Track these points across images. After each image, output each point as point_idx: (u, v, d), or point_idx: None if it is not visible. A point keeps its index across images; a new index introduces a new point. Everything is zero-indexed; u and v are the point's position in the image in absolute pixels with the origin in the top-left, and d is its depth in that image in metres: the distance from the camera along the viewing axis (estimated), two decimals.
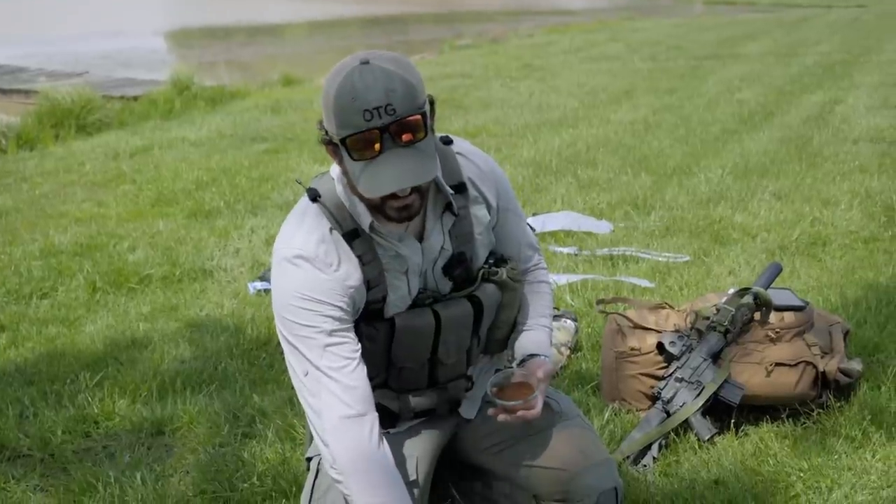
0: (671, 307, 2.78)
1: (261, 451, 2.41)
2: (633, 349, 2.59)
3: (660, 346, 2.54)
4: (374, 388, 1.74)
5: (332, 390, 1.65)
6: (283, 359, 1.72)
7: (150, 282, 3.94)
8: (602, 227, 4.52)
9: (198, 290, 3.85)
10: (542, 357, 1.92)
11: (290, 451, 2.40)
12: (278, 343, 3.11)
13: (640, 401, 2.57)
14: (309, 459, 1.95)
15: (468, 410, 1.97)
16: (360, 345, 1.70)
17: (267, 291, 3.69)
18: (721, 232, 4.32)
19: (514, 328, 1.99)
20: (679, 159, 6.00)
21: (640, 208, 4.83)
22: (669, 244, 4.18)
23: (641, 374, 2.57)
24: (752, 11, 24.18)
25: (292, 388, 1.74)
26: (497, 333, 1.97)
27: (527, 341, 1.97)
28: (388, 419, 1.86)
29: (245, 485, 2.25)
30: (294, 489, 2.14)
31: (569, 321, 2.99)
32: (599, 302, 2.94)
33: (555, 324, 2.98)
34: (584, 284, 3.58)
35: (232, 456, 2.41)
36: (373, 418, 1.67)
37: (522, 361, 1.94)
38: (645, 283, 3.64)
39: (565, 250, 4.17)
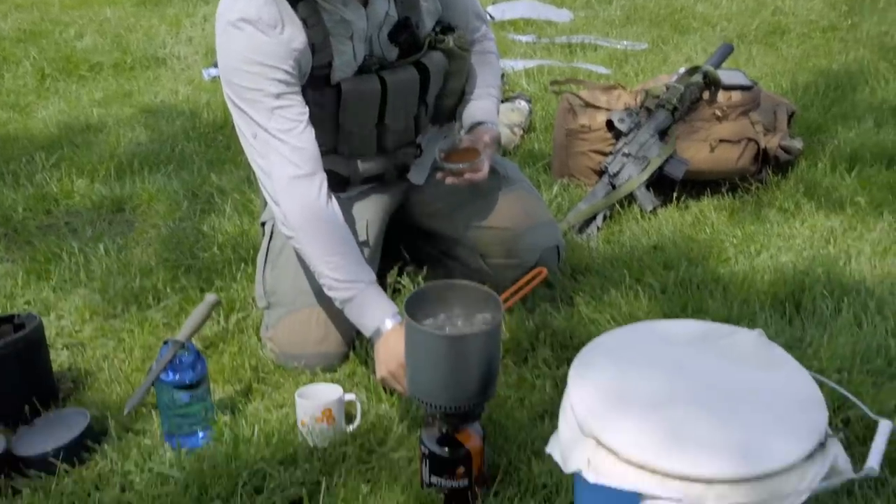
0: (623, 88, 2.81)
1: (220, 224, 2.48)
2: (583, 126, 2.65)
3: (609, 124, 2.60)
4: (324, 154, 1.79)
5: (281, 152, 1.69)
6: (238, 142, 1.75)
7: (101, 69, 3.87)
8: (562, 15, 4.45)
9: (151, 77, 3.79)
10: (490, 124, 1.97)
11: (248, 223, 2.48)
12: (235, 125, 3.11)
13: (588, 176, 2.66)
14: (263, 224, 2.03)
15: (417, 176, 2.03)
16: (307, 108, 1.73)
17: None
18: (681, 21, 4.28)
19: (462, 98, 2.03)
20: None
21: (601, 1, 4.74)
22: (629, 32, 4.15)
23: (591, 151, 2.64)
24: None
25: (250, 167, 1.78)
26: (445, 102, 2.01)
27: (475, 110, 2.01)
28: (339, 184, 1.92)
29: (205, 254, 2.34)
30: (252, 254, 2.23)
31: (523, 102, 3.03)
32: (553, 83, 2.96)
33: (509, 105, 3.01)
34: (540, 70, 3.58)
35: (192, 229, 2.49)
36: (321, 178, 1.72)
37: (470, 129, 1.99)
38: (601, 69, 3.65)
39: (524, 38, 4.13)
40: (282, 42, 1.67)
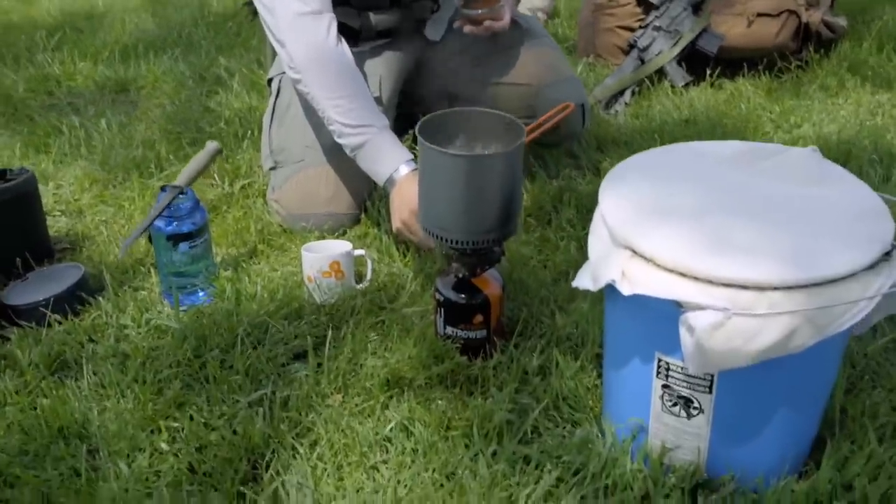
0: None
1: (227, 100, 2.36)
2: (611, 1, 2.48)
3: None
4: (335, 5, 1.65)
5: None
6: (250, 27, 1.61)
7: None
8: None
9: None
10: None
11: (257, 100, 2.35)
12: (245, 15, 2.98)
13: (615, 55, 2.50)
14: (270, 81, 1.90)
15: (433, 32, 1.89)
16: None
17: None
18: None
19: None
20: None
21: None
22: None
23: (618, 27, 2.48)
24: None
25: (260, 46, 1.65)
26: None
27: None
28: (349, 38, 1.78)
29: (211, 128, 2.22)
30: (261, 128, 2.11)
31: None
32: None
33: None
34: None
35: (199, 106, 2.37)
36: (330, 18, 1.59)
37: None
38: None
39: None
40: None
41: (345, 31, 1.71)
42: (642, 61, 2.35)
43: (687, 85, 2.34)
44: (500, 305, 1.39)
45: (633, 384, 1.10)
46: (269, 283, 1.58)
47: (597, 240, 1.09)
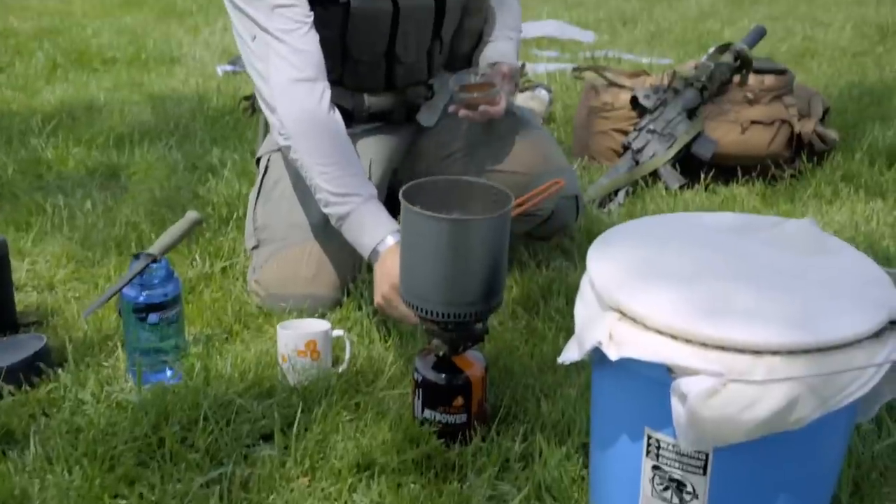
0: (648, 75, 2.68)
1: (216, 186, 2.33)
2: (605, 104, 2.50)
3: (633, 100, 2.45)
4: (330, 85, 1.64)
5: (281, 53, 1.55)
6: (247, 122, 1.61)
7: (114, 63, 3.79)
8: (587, 35, 4.37)
9: (164, 72, 3.71)
10: (508, 61, 1.82)
11: (246, 187, 2.33)
12: (244, 109, 3.01)
13: (609, 158, 2.50)
14: (259, 160, 1.88)
15: (427, 118, 1.88)
16: (312, 13, 1.59)
17: (236, 73, 3.56)
18: (707, 43, 4.17)
19: (480, 42, 1.89)
20: None
21: (626, 23, 4.67)
22: (653, 51, 4.05)
23: (613, 130, 2.49)
24: None
25: (254, 139, 1.64)
26: (462, 45, 1.87)
27: (491, 51, 1.86)
28: (343, 119, 1.77)
29: (199, 213, 2.18)
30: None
31: (543, 91, 2.89)
32: (576, 69, 2.83)
33: (528, 94, 2.88)
34: (562, 73, 3.46)
35: (188, 192, 2.34)
36: (324, 86, 1.57)
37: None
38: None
39: (547, 53, 4.04)
40: None
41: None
42: (637, 163, 2.35)
43: (682, 187, 2.32)
44: (483, 388, 1.31)
45: (622, 465, 1.00)
46: (241, 363, 1.50)
47: (583, 306, 1.02)
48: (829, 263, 1.02)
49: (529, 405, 1.36)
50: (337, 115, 1.57)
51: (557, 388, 1.39)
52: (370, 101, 1.80)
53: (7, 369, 1.40)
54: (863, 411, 1.00)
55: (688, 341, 0.89)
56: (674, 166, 2.35)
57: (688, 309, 0.91)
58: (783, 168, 2.42)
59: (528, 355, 1.54)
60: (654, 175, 2.35)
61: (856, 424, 1.16)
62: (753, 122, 2.40)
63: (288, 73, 1.54)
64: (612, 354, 0.92)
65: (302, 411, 1.34)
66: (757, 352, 0.87)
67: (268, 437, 1.33)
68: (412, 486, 1.17)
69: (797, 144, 2.45)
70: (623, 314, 0.94)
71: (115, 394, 1.41)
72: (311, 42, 1.56)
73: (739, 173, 2.40)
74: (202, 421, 1.30)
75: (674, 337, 0.89)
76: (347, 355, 1.51)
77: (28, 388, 1.42)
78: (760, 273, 0.99)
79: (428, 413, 1.30)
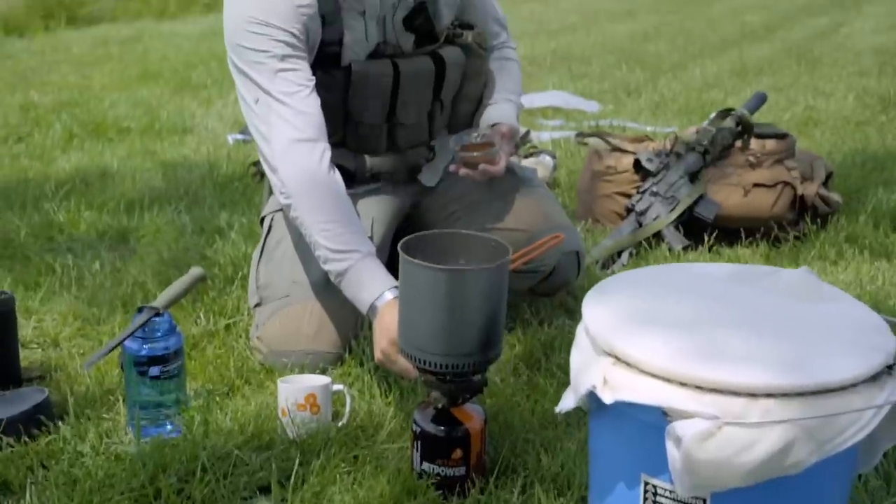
0: (651, 140, 2.72)
1: (223, 247, 2.36)
2: (608, 168, 2.53)
3: (636, 164, 2.48)
4: (332, 146, 1.68)
5: (283, 115, 1.59)
6: (256, 187, 1.65)
7: (128, 133, 3.87)
8: (590, 105, 4.44)
9: (177, 140, 3.78)
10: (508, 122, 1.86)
11: (252, 248, 2.34)
12: (252, 175, 3.06)
13: (612, 221, 2.52)
14: (263, 219, 1.90)
15: (429, 178, 1.91)
16: (314, 78, 1.64)
17: (246, 142, 3.63)
18: (710, 111, 4.21)
19: (480, 105, 1.93)
20: (676, 60, 5.90)
21: (631, 94, 4.75)
22: (657, 120, 4.10)
23: (616, 194, 2.52)
24: None
25: (261, 203, 1.67)
26: (463, 108, 1.91)
27: (492, 112, 1.90)
28: (345, 180, 1.80)
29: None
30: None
31: (547, 157, 2.93)
32: (579, 135, 2.87)
33: (533, 160, 2.92)
34: (567, 141, 3.52)
35: (195, 253, 2.37)
36: (324, 147, 1.61)
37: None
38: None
39: (551, 123, 4.10)
40: (290, 4, 1.60)
41: (340, 172, 1.73)
42: (640, 224, 2.37)
43: (686, 248, 2.33)
44: (482, 440, 1.30)
45: None
46: (241, 416, 1.50)
47: (578, 353, 1.02)
48: (827, 310, 1.02)
49: (529, 458, 1.35)
50: (337, 174, 1.60)
51: (557, 442, 1.38)
52: (372, 162, 1.83)
53: (7, 421, 1.41)
54: (863, 460, 0.99)
55: (682, 384, 0.89)
56: (677, 228, 2.36)
57: (683, 352, 0.91)
58: (787, 230, 2.43)
59: (530, 411, 1.53)
60: (658, 236, 2.36)
61: (859, 475, 1.15)
62: (756, 185, 2.43)
63: (289, 134, 1.58)
64: (607, 398, 0.92)
65: (300, 464, 1.33)
66: (752, 394, 0.87)
67: (265, 490, 1.32)
68: None
69: (801, 206, 2.47)
70: (618, 359, 0.94)
71: (113, 446, 1.41)
72: (312, 104, 1.61)
73: (743, 235, 2.40)
74: (199, 472, 1.30)
75: (668, 380, 0.89)
76: (348, 409, 1.50)
77: (28, 440, 1.42)
78: (757, 319, 0.99)
79: (426, 465, 1.29)
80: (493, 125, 1.85)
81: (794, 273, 1.10)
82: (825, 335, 0.95)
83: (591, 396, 0.97)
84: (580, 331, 1.04)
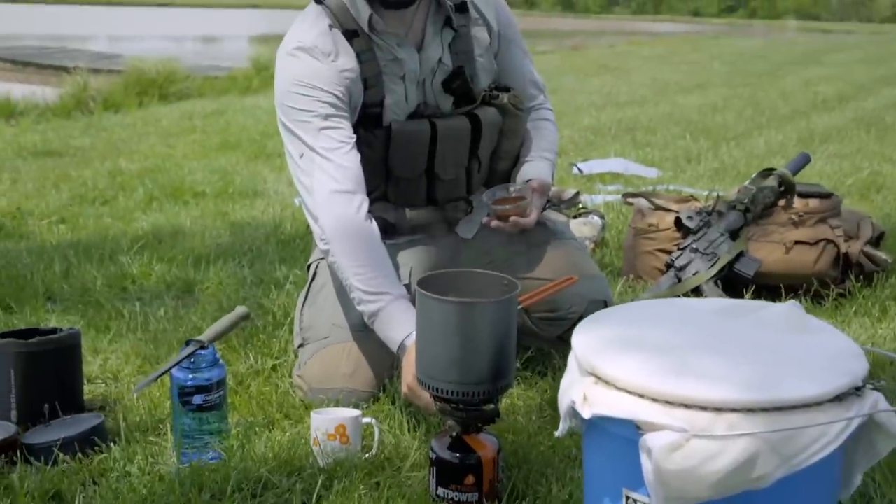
0: (697, 200, 2.77)
1: (278, 297, 2.50)
2: (650, 225, 2.59)
3: (677, 221, 2.54)
4: (374, 200, 1.81)
5: (325, 168, 1.73)
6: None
7: (203, 196, 4.12)
8: (650, 171, 4.50)
9: (248, 203, 4.00)
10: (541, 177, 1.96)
11: None
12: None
13: (654, 277, 2.57)
14: (308, 266, 2.03)
15: (466, 230, 2.01)
16: (354, 135, 1.78)
17: None
18: None
19: (517, 162, 2.04)
20: (741, 129, 5.93)
21: (691, 161, 4.80)
22: (715, 186, 4.13)
23: (657, 251, 2.57)
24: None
25: None
26: (500, 165, 2.02)
27: (528, 169, 2.00)
28: (386, 232, 1.92)
29: (259, 322, 2.34)
30: None
31: (595, 218, 3.01)
32: (625, 195, 2.94)
33: (581, 220, 3.00)
34: (619, 203, 3.58)
35: (253, 303, 2.51)
36: (362, 199, 1.74)
37: None
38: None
39: (610, 188, 4.18)
40: (334, 68, 1.76)
41: (381, 224, 1.85)
42: (679, 279, 2.41)
43: None
44: (494, 468, 1.37)
45: None
46: (276, 445, 1.60)
47: (567, 376, 1.10)
48: (807, 340, 1.07)
49: (541, 488, 1.40)
50: (373, 224, 1.73)
51: (569, 471, 1.43)
52: (412, 214, 1.95)
53: (64, 441, 1.54)
54: (843, 484, 1.02)
55: (654, 399, 0.95)
56: (716, 283, 2.39)
57: (656, 371, 0.98)
58: (830, 287, 2.43)
59: (550, 448, 1.58)
60: (697, 292, 2.39)
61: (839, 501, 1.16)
62: (798, 243, 2.45)
63: (330, 186, 1.71)
64: (586, 413, 0.99)
65: (323, 487, 1.42)
66: (718, 409, 0.92)
67: None
68: None
69: (845, 264, 2.47)
70: (598, 378, 1.01)
71: (158, 467, 1.52)
72: (352, 160, 1.74)
73: (783, 292, 2.42)
74: (229, 490, 1.40)
75: (641, 395, 0.96)
76: (376, 441, 1.59)
77: (82, 458, 1.55)
78: (735, 346, 1.05)
79: (441, 490, 1.36)
80: (528, 181, 1.95)
81: (782, 307, 1.15)
82: (798, 360, 1.00)
83: (580, 417, 1.03)
84: (570, 360, 1.11)
